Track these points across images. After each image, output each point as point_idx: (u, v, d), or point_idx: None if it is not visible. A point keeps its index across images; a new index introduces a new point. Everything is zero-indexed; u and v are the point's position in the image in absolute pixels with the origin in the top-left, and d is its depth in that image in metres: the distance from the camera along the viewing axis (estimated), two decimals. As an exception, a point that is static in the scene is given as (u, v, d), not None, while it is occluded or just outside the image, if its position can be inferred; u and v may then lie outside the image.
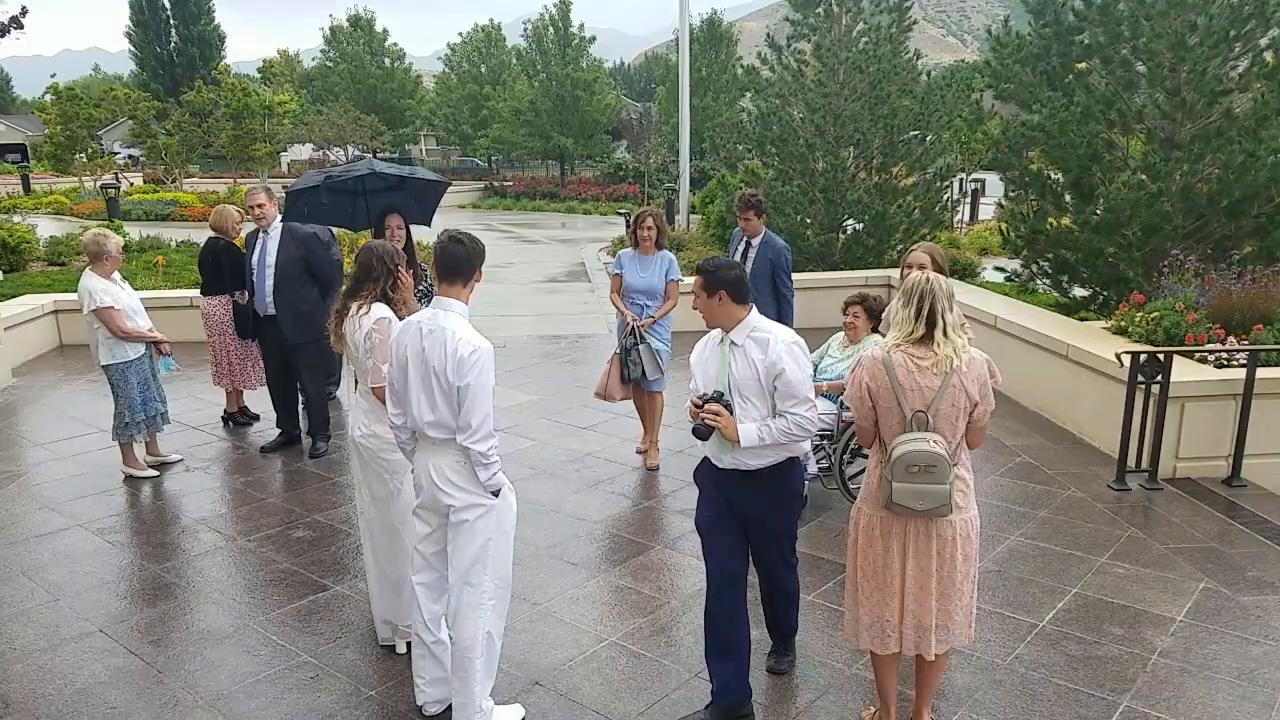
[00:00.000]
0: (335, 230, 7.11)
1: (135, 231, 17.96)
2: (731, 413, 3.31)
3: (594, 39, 44.58)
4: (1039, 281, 10.24)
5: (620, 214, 25.25)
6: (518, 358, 9.68)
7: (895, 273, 10.90)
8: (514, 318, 12.21)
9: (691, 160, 21.21)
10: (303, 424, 6.95)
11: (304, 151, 47.49)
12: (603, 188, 37.99)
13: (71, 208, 27.75)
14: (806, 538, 5.27)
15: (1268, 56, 8.70)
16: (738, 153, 14.59)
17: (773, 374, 3.27)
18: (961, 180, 21.84)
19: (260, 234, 6.63)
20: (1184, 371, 6.13)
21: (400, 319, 3.73)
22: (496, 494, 3.35)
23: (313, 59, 59.48)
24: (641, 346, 6.06)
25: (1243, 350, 6.27)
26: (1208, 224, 8.68)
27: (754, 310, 3.40)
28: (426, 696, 3.59)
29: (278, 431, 6.95)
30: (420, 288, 6.00)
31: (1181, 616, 4.36)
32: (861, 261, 12.48)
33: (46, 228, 18.97)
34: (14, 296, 10.96)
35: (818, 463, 5.64)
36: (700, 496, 3.58)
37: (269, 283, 6.55)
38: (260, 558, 5.07)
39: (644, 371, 6.07)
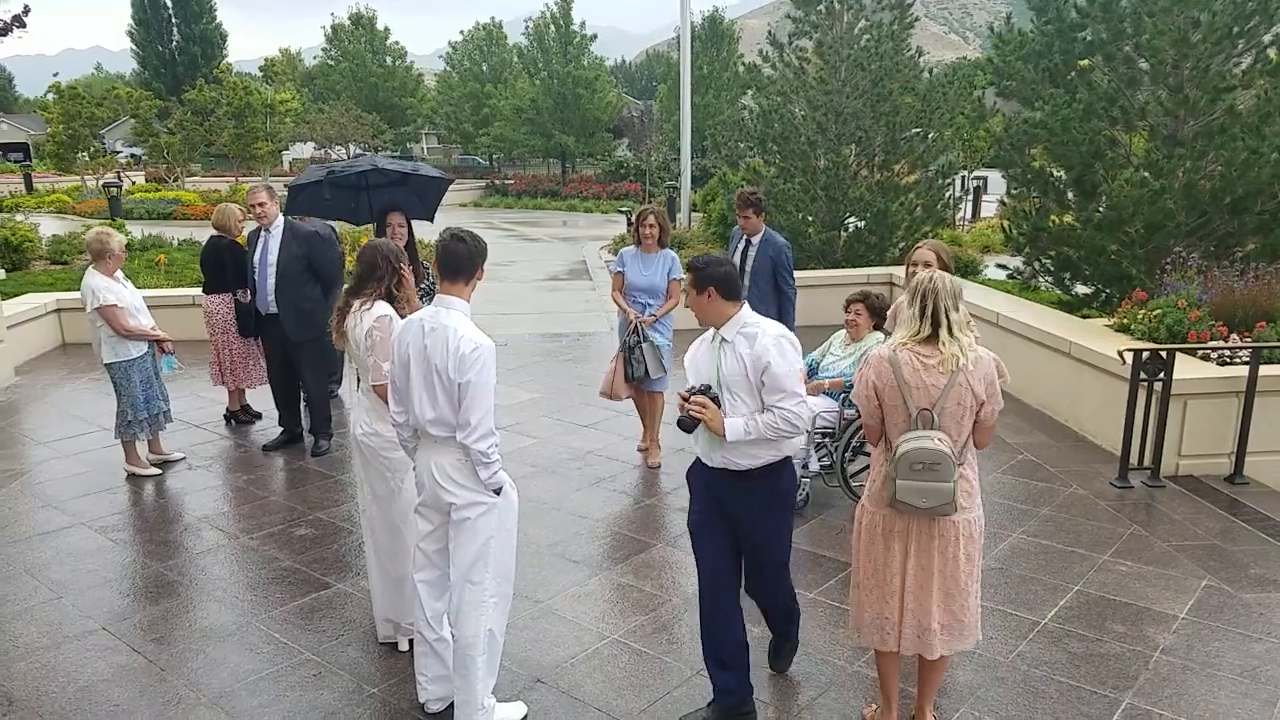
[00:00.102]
0: (337, 228, 7.13)
1: (137, 230, 17.99)
2: (719, 407, 3.28)
3: (595, 37, 44.60)
4: (1041, 279, 10.23)
5: (622, 212, 25.25)
6: (519, 356, 9.69)
7: (897, 270, 10.90)
8: (515, 316, 12.22)
9: (693, 158, 21.19)
10: (305, 422, 6.96)
11: (306, 150, 47.54)
12: (604, 186, 38.01)
13: (74, 206, 27.80)
14: (808, 535, 5.27)
15: (1271, 53, 8.68)
16: (739, 150, 14.59)
17: (759, 367, 3.21)
18: (963, 178, 21.81)
19: (262, 232, 6.64)
20: (1186, 369, 6.12)
21: (402, 317, 3.74)
22: (498, 492, 3.36)
23: (314, 57, 59.52)
24: (645, 345, 6.06)
25: (1245, 347, 6.26)
26: (1210, 221, 8.66)
27: (746, 307, 3.36)
28: (429, 694, 3.59)
29: (280, 430, 6.96)
30: (422, 286, 6.00)
31: (1184, 614, 4.36)
32: (863, 259, 12.47)
33: (49, 226, 19.00)
34: (17, 295, 10.97)
35: (819, 461, 5.64)
36: (691, 497, 3.56)
37: (271, 281, 6.55)
38: (262, 555, 5.07)
39: (647, 370, 6.07)
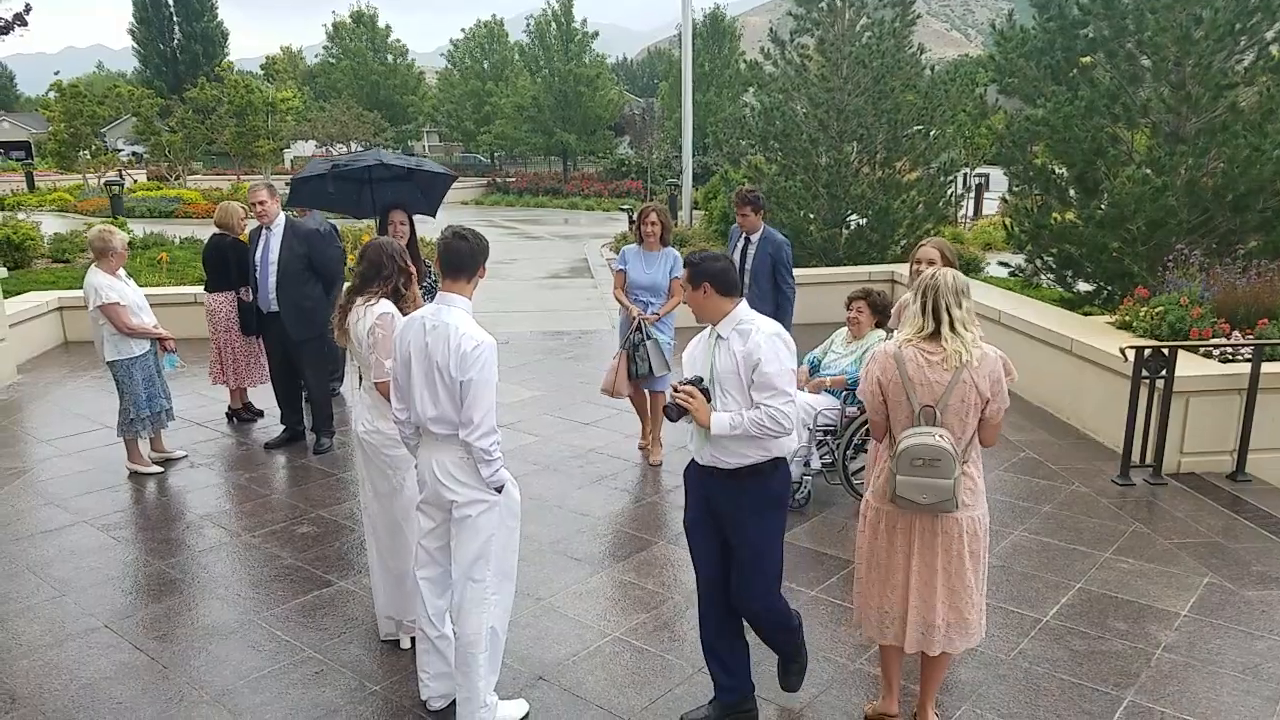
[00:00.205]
0: (338, 226, 7.14)
1: (139, 228, 18.00)
2: (710, 401, 3.24)
3: (596, 34, 44.56)
4: (1043, 276, 10.22)
5: (623, 210, 25.25)
6: (521, 354, 9.69)
7: (898, 268, 10.89)
8: (517, 314, 12.22)
9: (694, 156, 21.18)
10: (307, 420, 6.96)
11: (307, 148, 47.49)
12: (605, 184, 37.99)
13: (75, 205, 27.81)
14: (810, 533, 5.28)
15: (1273, 50, 8.66)
16: (741, 148, 14.57)
17: (751, 364, 3.18)
18: (965, 175, 21.79)
19: (263, 231, 6.63)
20: (1188, 366, 6.12)
21: (405, 315, 3.74)
22: (499, 490, 3.36)
23: (316, 56, 59.51)
24: (649, 342, 6.05)
25: (1247, 345, 6.25)
26: (1212, 218, 8.65)
27: (743, 304, 3.32)
28: (431, 691, 3.60)
29: (281, 427, 6.97)
30: (424, 284, 6.00)
31: (1186, 611, 4.36)
32: (865, 257, 12.46)
33: (51, 225, 19.02)
34: (19, 293, 10.98)
35: (821, 458, 5.65)
36: (686, 496, 3.55)
37: (272, 279, 6.55)
38: (264, 553, 5.08)
39: (650, 367, 6.06)
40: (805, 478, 5.58)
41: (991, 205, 22.68)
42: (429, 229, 7.77)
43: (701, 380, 3.27)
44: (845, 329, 5.78)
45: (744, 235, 6.46)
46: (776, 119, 12.88)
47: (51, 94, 35.05)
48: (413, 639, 3.90)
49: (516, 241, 22.61)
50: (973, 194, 23.86)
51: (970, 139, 20.50)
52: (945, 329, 3.14)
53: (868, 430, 5.21)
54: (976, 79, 18.89)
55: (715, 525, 3.40)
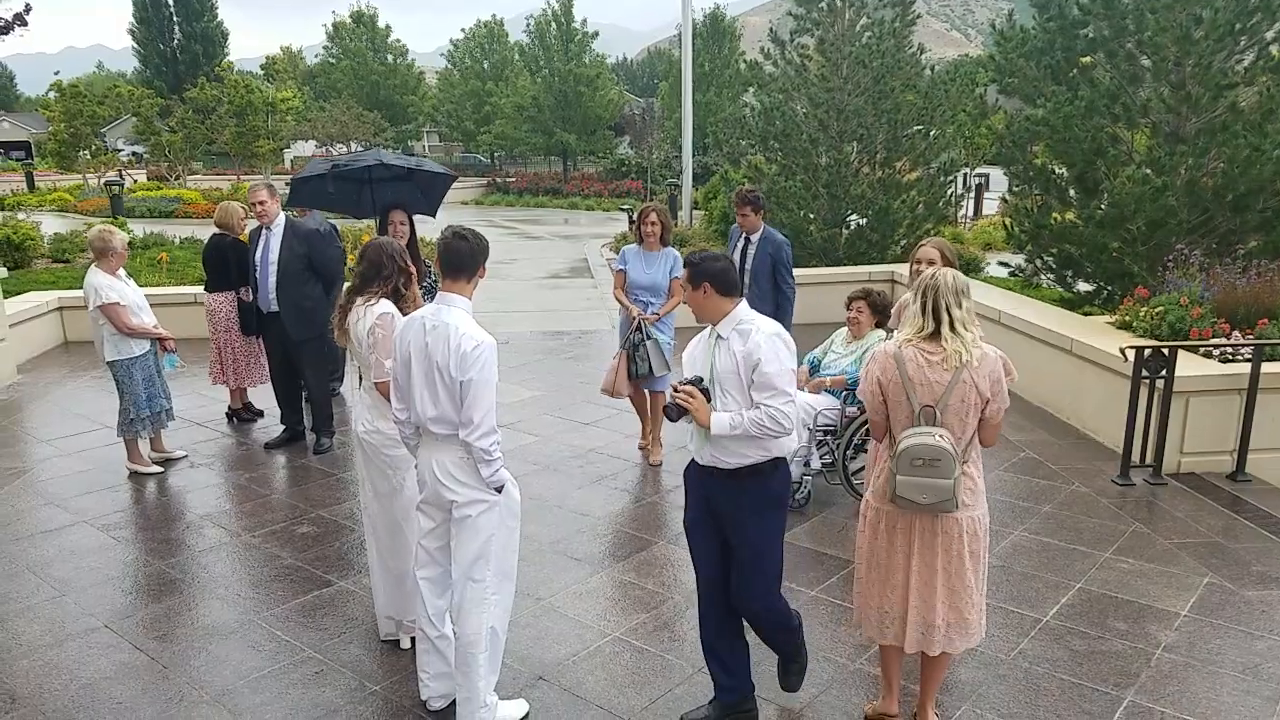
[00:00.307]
0: (338, 226, 7.14)
1: (139, 228, 18.00)
2: (710, 401, 3.24)
3: (596, 34, 44.56)
4: (1043, 276, 10.22)
5: (623, 210, 25.25)
6: (521, 354, 9.69)
7: (898, 268, 10.89)
8: (517, 314, 12.22)
9: (694, 156, 21.18)
10: (307, 420, 6.96)
11: (307, 148, 47.51)
12: (605, 184, 38.00)
13: (75, 205, 27.81)
14: (810, 533, 5.27)
15: (1274, 50, 8.66)
16: (741, 148, 14.57)
17: (751, 364, 3.15)
18: (965, 175, 21.79)
19: (263, 231, 6.63)
20: (1188, 366, 6.11)
21: (405, 315, 3.74)
22: (499, 490, 3.36)
23: (316, 56, 59.51)
24: (649, 342, 6.05)
25: (1247, 345, 6.25)
26: (1213, 218, 8.65)
27: (743, 304, 3.30)
28: (431, 691, 3.60)
29: (282, 427, 6.97)
30: (424, 284, 6.00)
31: (1186, 611, 4.36)
32: (865, 257, 12.46)
33: (51, 225, 19.02)
34: (19, 293, 10.98)
35: (821, 458, 5.65)
36: (686, 496, 3.55)
37: (272, 279, 6.55)
38: (264, 553, 5.08)
39: (651, 368, 6.06)
40: (805, 478, 5.58)
41: (991, 205, 22.68)
42: (429, 229, 7.77)
43: (701, 380, 3.27)
44: (845, 329, 5.78)
45: (744, 235, 6.46)
46: (776, 119, 12.88)
47: (51, 94, 35.06)
48: (413, 639, 3.90)
49: (516, 241, 22.61)
50: (973, 194, 23.86)
51: (970, 139, 20.51)
52: (945, 329, 3.15)
53: (868, 430, 5.21)
54: (976, 79, 18.89)
55: (715, 525, 3.39)
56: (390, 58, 52.77)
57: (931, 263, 4.33)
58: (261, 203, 6.47)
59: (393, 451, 3.80)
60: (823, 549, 5.05)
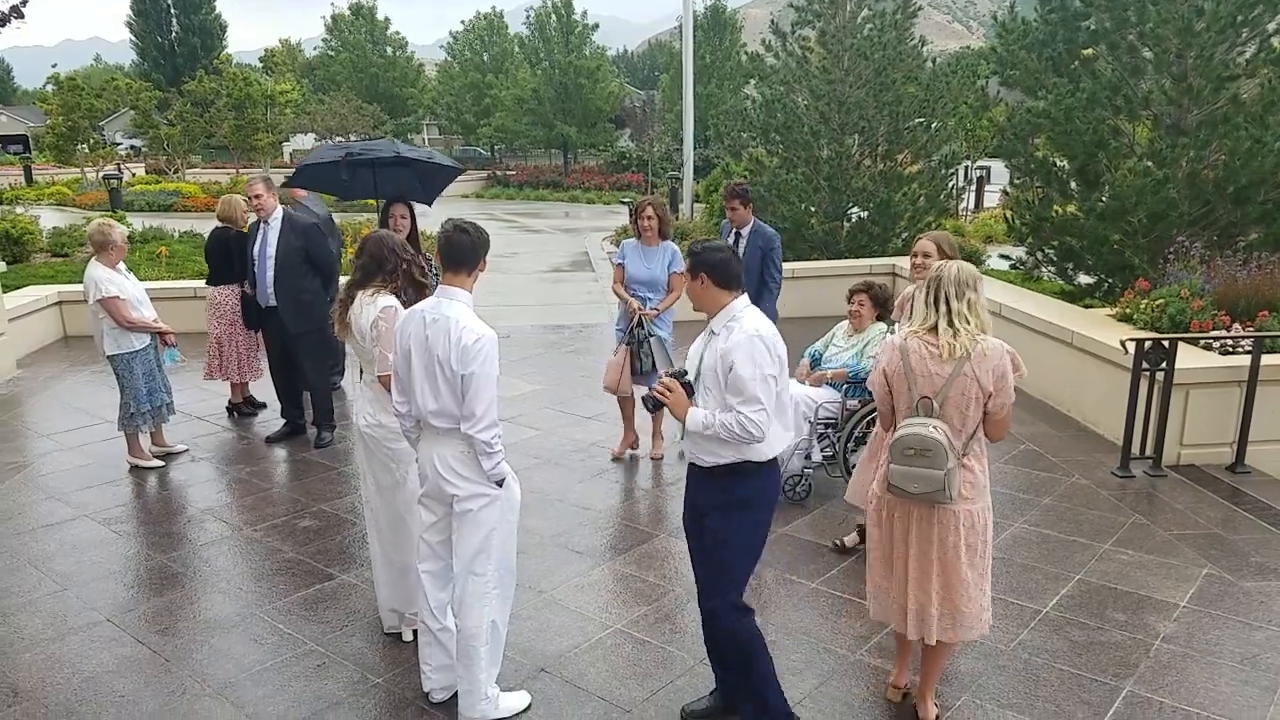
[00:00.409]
0: (335, 219, 7.11)
1: (138, 222, 17.99)
2: (692, 395, 3.17)
3: (597, 26, 44.39)
4: (1044, 269, 10.21)
5: (624, 203, 25.23)
6: (521, 347, 9.69)
7: (899, 261, 10.88)
8: (518, 307, 12.22)
9: (695, 148, 21.14)
10: (308, 414, 6.96)
11: (306, 141, 47.44)
12: (606, 177, 37.90)
13: (74, 199, 27.79)
14: (810, 525, 5.28)
15: (1275, 42, 8.63)
16: (742, 140, 14.54)
17: (726, 364, 3.05)
18: (966, 167, 21.76)
19: (261, 224, 6.63)
20: (1189, 358, 6.12)
21: (406, 308, 3.73)
22: (500, 483, 3.36)
23: (314, 48, 59.38)
24: (653, 340, 6.03)
25: (1248, 337, 6.26)
26: (1213, 210, 8.64)
27: (742, 298, 3.21)
28: (433, 683, 3.61)
29: (282, 421, 6.97)
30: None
31: (1185, 602, 4.37)
32: (866, 249, 12.45)
33: (49, 219, 18.98)
34: (18, 288, 10.97)
35: (822, 451, 5.65)
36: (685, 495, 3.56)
37: (270, 273, 6.54)
38: (266, 547, 5.09)
39: (654, 364, 6.04)
40: (806, 470, 5.58)
41: (993, 198, 22.64)
42: (428, 222, 7.76)
43: (685, 374, 3.22)
44: (847, 322, 5.78)
45: (734, 230, 6.41)
46: (778, 111, 12.85)
47: (49, 87, 35.02)
48: (415, 632, 3.91)
49: (517, 235, 22.59)
50: (974, 186, 23.82)
51: (972, 131, 20.48)
52: (943, 322, 3.18)
53: (869, 423, 5.22)
54: (978, 71, 18.87)
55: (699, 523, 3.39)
56: (389, 50, 52.62)
57: (928, 256, 4.34)
58: (258, 196, 6.46)
59: (395, 445, 3.81)
60: (823, 541, 5.06)
